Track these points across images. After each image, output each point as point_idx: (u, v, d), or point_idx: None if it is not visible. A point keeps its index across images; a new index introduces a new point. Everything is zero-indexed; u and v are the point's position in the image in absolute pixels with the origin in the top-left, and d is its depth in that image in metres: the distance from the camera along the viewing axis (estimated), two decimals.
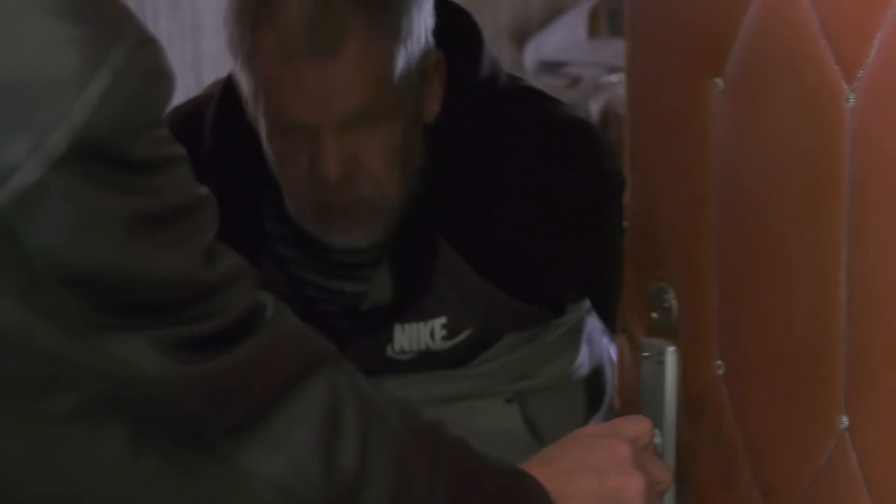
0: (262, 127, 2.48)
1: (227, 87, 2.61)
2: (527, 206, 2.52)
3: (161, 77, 1.20)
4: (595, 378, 2.88)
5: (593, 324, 2.93)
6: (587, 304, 2.74)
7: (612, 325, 2.41)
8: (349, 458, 1.36)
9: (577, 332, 2.81)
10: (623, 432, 1.72)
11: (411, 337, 2.52)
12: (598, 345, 2.95)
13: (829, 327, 1.65)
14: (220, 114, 2.56)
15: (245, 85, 2.45)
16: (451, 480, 1.55)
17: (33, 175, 1.08)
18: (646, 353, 1.93)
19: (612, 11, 6.72)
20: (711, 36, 1.79)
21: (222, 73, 2.67)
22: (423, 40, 2.46)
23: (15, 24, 1.11)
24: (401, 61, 2.38)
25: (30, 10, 1.12)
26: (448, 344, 2.54)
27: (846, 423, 1.68)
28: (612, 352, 2.95)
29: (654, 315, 1.91)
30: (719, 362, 1.85)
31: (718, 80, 1.79)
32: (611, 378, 2.99)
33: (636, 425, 1.74)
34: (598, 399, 2.88)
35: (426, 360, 2.64)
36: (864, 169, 1.62)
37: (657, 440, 1.91)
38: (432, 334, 2.52)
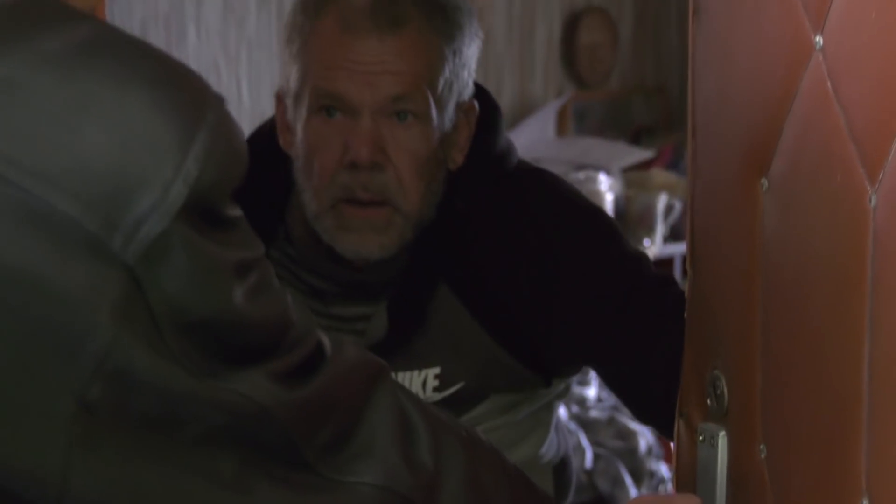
0: (301, 116, 2.47)
1: (254, 137, 2.62)
2: (536, 277, 2.51)
3: (240, 135, 1.30)
4: (562, 467, 2.83)
5: (562, 412, 2.96)
6: (561, 387, 2.73)
7: (627, 396, 2.45)
8: (427, 453, 1.50)
9: (547, 412, 2.75)
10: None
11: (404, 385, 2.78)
12: (564, 433, 2.94)
13: (852, 415, 1.66)
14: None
15: (294, 76, 2.48)
16: (506, 473, 1.68)
17: (159, 227, 1.16)
18: (701, 438, 1.93)
19: (578, 112, 6.98)
20: (759, 139, 1.81)
21: None
22: (467, 73, 2.55)
23: (124, 93, 1.19)
24: (447, 69, 2.45)
25: (134, 80, 1.20)
26: (438, 396, 2.50)
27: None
28: (582, 439, 2.98)
29: (709, 402, 1.92)
30: (762, 446, 1.85)
31: (764, 181, 1.80)
32: (576, 469, 3.05)
33: (689, 501, 1.77)
34: (564, 489, 2.82)
35: None
36: (883, 266, 1.62)
37: None
38: (424, 384, 2.49)
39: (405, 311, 2.53)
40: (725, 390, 1.90)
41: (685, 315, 2.00)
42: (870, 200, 1.63)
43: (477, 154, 2.59)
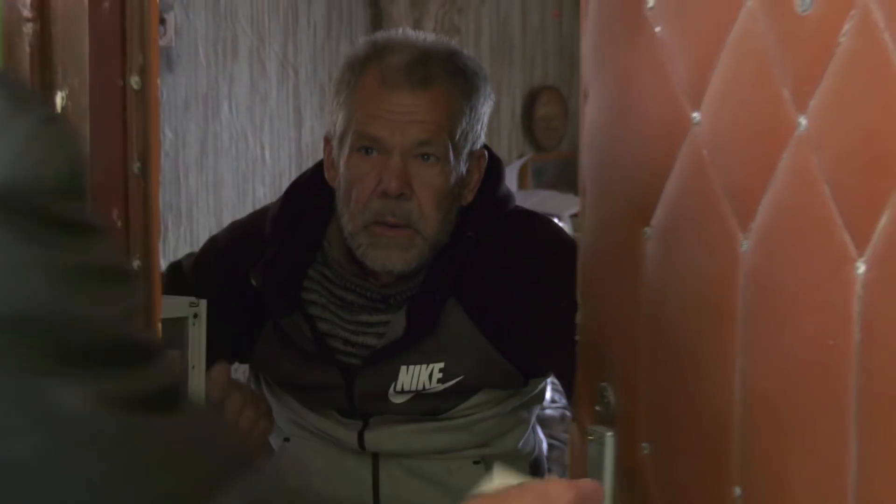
0: (344, 154, 2.92)
1: (288, 193, 3.16)
2: (527, 297, 2.92)
3: (67, 146, 1.21)
4: (537, 463, 3.27)
5: (538, 416, 3.39)
6: (537, 389, 3.16)
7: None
8: None
9: (528, 412, 3.19)
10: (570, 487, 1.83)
11: (413, 377, 2.93)
12: (539, 435, 3.34)
13: (727, 420, 1.88)
14: (281, 210, 3.09)
15: (340, 121, 2.94)
16: None
17: None
18: (591, 437, 2.15)
19: (536, 170, 7.97)
20: (643, 196, 2.04)
21: (238, 216, 3.40)
22: (480, 126, 3.01)
23: None
24: (464, 121, 2.91)
25: None
26: (441, 387, 2.93)
27: (739, 492, 1.89)
28: (539, 432, 3.44)
29: (598, 408, 2.14)
30: (646, 444, 2.06)
31: (647, 229, 2.04)
32: (546, 467, 3.35)
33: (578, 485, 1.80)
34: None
35: (417, 405, 3.01)
36: (754, 301, 1.84)
37: None
38: (430, 376, 2.93)
39: (420, 318, 2.93)
40: (612, 399, 2.11)
41: (577, 338, 2.19)
42: (741, 245, 1.85)
43: (484, 195, 3.05)
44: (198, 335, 2.58)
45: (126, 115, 1.95)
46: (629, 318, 2.10)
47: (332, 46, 5.92)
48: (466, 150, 2.97)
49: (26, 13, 1.90)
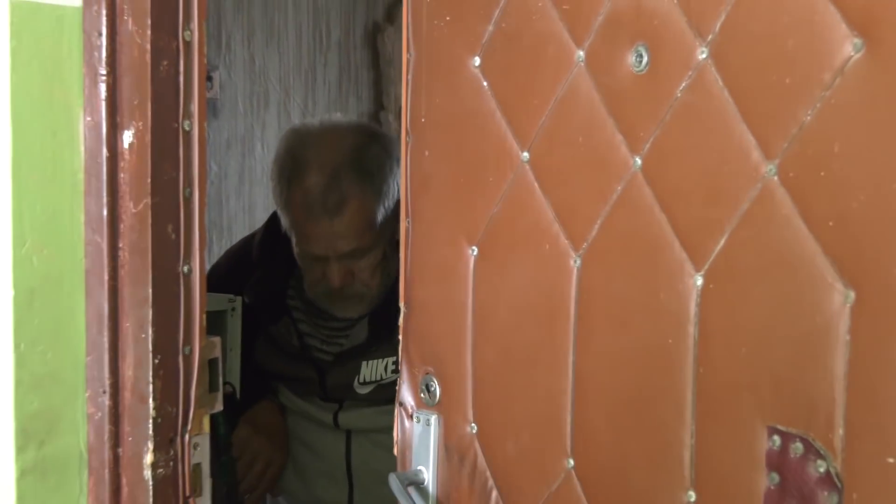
0: (293, 244, 3.42)
1: (269, 221, 3.63)
2: None
3: None
4: None
5: None
6: None
7: None
8: None
9: None
10: None
11: (372, 370, 3.43)
12: None
13: (560, 402, 2.08)
14: (264, 236, 3.67)
15: (283, 221, 3.44)
16: None
17: None
18: (417, 420, 2.33)
19: None
20: (471, 220, 2.21)
21: None
22: (395, 194, 3.31)
23: None
24: (381, 213, 3.26)
25: None
26: (394, 377, 3.20)
27: (572, 463, 2.08)
28: None
29: (423, 395, 2.32)
30: (474, 425, 2.24)
31: (474, 247, 2.21)
32: None
33: None
34: None
35: (379, 393, 3.44)
36: (587, 307, 2.04)
37: (425, 475, 2.29)
38: (386, 368, 3.41)
39: (380, 327, 3.35)
40: (438, 388, 2.29)
41: (399, 336, 2.36)
42: (574, 262, 2.05)
43: None
44: (234, 325, 3.12)
45: (180, 152, 2.21)
46: (454, 322, 2.27)
47: (342, 100, 6.94)
48: (391, 217, 3.36)
49: (101, 70, 2.13)
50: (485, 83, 2.20)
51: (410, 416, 2.37)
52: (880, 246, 1.66)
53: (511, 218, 2.16)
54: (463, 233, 2.25)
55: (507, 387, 2.19)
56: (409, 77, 2.33)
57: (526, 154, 2.12)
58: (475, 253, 2.22)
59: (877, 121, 1.66)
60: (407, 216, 2.36)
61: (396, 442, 2.39)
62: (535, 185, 2.11)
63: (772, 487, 1.81)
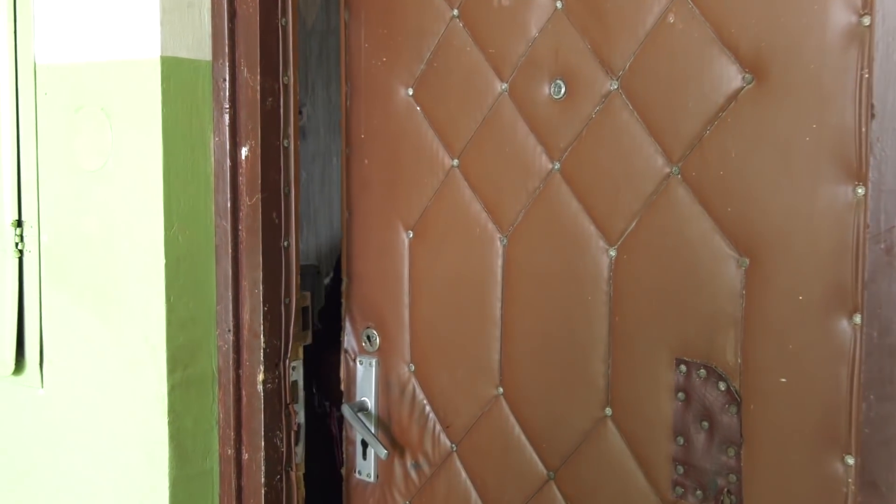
0: None
1: None
2: None
3: None
4: None
5: None
6: None
7: None
8: None
9: None
10: None
11: None
12: None
13: (490, 345, 2.13)
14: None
15: None
16: None
17: None
18: (360, 363, 2.33)
19: None
20: (406, 209, 2.23)
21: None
22: None
23: None
24: None
25: None
26: None
27: (501, 391, 2.12)
28: None
29: (364, 345, 2.33)
30: (412, 365, 2.25)
31: (410, 231, 2.22)
32: None
33: None
34: None
35: None
36: (511, 274, 2.07)
37: (369, 404, 2.31)
38: None
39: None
40: (378, 339, 2.31)
41: (342, 300, 2.36)
42: (501, 241, 2.08)
43: None
44: (319, 284, 3.45)
45: (280, 162, 2.36)
46: (392, 288, 2.27)
47: None
48: None
49: (226, 105, 2.32)
50: (417, 108, 2.19)
51: (354, 360, 2.35)
52: (770, 223, 1.76)
53: (444, 209, 2.15)
54: (399, 220, 2.22)
55: (441, 336, 2.18)
56: (348, 103, 2.31)
57: (456, 161, 2.14)
58: (411, 236, 2.21)
59: (765, 134, 1.76)
60: (347, 209, 2.32)
61: (343, 379, 2.36)
62: (465, 184, 2.13)
63: (679, 404, 1.88)
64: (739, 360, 1.80)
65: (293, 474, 2.29)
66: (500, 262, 2.07)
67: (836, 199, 1.68)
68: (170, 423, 2.26)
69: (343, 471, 2.37)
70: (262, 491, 2.31)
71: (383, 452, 2.16)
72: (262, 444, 2.30)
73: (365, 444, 2.31)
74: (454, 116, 2.11)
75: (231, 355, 2.32)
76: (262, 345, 2.30)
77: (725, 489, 1.83)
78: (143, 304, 2.26)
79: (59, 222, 2.36)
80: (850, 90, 1.66)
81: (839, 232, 1.68)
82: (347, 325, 2.33)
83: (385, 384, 2.29)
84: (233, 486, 2.32)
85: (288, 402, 2.30)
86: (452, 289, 2.14)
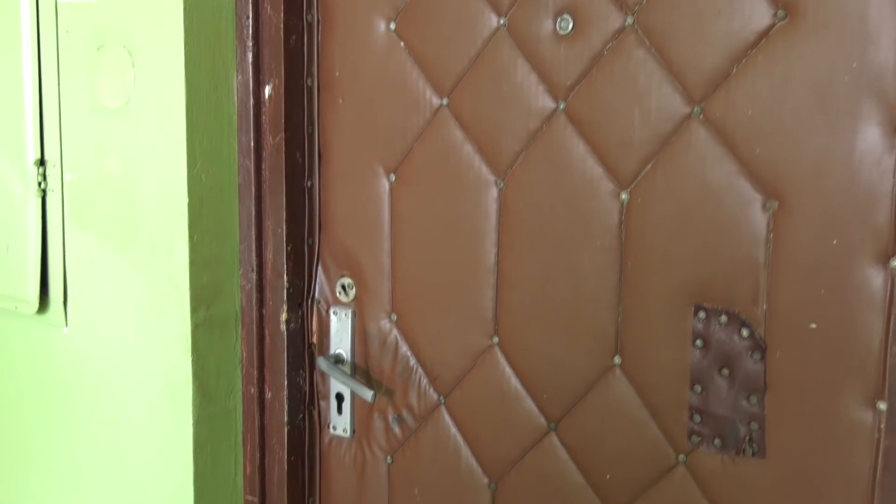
0: None
1: None
2: None
3: None
4: None
5: None
6: None
7: None
8: None
9: None
10: None
11: None
12: None
13: (483, 288, 1.96)
14: None
15: None
16: None
17: None
18: (335, 314, 2.10)
19: None
20: (388, 153, 2.01)
21: None
22: None
23: None
24: None
25: None
26: None
27: (496, 340, 1.92)
28: None
29: (339, 295, 2.12)
30: (394, 315, 2.03)
31: (392, 175, 2.00)
32: None
33: None
34: None
35: None
36: (507, 220, 1.89)
37: (345, 356, 2.12)
38: None
39: None
40: (354, 289, 2.09)
41: (317, 247, 2.12)
42: (497, 185, 1.87)
43: None
44: None
45: (304, 101, 2.23)
46: (371, 234, 2.07)
47: None
48: None
49: (249, 42, 2.22)
50: (401, 44, 1.96)
51: (327, 311, 2.13)
52: (803, 165, 1.62)
53: (430, 152, 1.94)
54: (380, 164, 2.00)
55: (428, 285, 1.97)
56: (318, 38, 2.07)
57: (445, 100, 1.91)
58: (392, 180, 1.98)
59: (798, 73, 1.62)
60: (318, 152, 2.15)
61: (315, 332, 2.17)
62: (455, 124, 1.91)
63: (697, 351, 1.72)
64: (765, 307, 1.66)
65: (315, 413, 2.11)
66: (495, 206, 1.89)
67: (876, 140, 1.52)
68: (193, 363, 2.17)
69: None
70: (285, 429, 2.16)
71: (369, 394, 1.96)
72: (285, 383, 2.17)
73: (340, 398, 2.10)
74: (443, 53, 1.90)
75: (254, 295, 2.20)
76: (286, 284, 2.17)
77: (747, 437, 1.70)
78: (166, 244, 2.14)
79: (82, 162, 2.20)
80: None
81: (877, 175, 1.53)
82: (320, 274, 2.13)
83: (363, 336, 2.09)
84: (256, 424, 2.18)
85: (311, 342, 2.13)
86: (441, 235, 1.94)
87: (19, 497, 2.48)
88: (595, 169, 1.79)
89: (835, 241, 1.58)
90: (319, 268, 2.12)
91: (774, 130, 1.62)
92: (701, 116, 1.67)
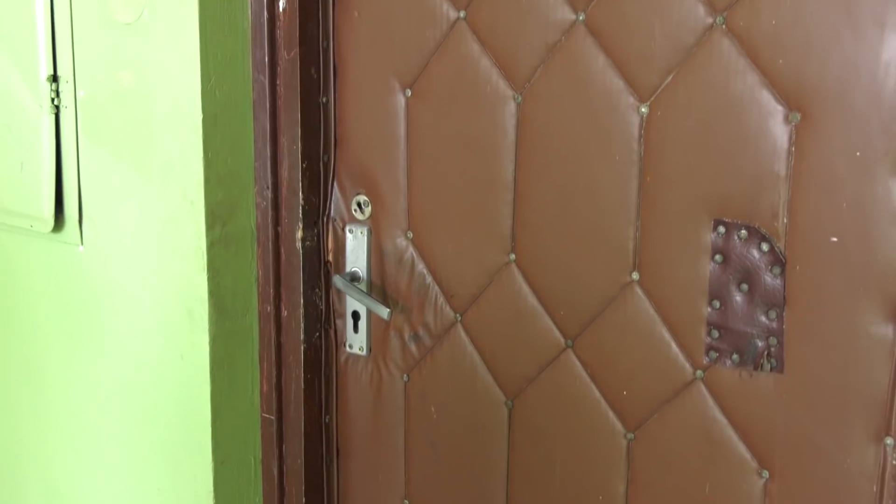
0: None
1: None
2: None
3: None
4: None
5: None
6: None
7: None
8: None
9: None
10: None
11: None
12: None
13: (500, 205, 1.94)
14: None
15: None
16: None
17: None
18: (350, 232, 2.09)
19: None
20: (404, 68, 1.99)
21: None
22: None
23: None
24: None
25: None
26: None
27: (513, 257, 1.89)
28: None
29: (355, 213, 2.09)
30: (410, 233, 2.01)
31: (408, 90, 1.98)
32: None
33: None
34: None
35: None
36: (525, 134, 1.86)
37: (361, 274, 2.11)
38: None
39: None
40: (370, 207, 2.07)
41: (332, 164, 2.09)
42: (515, 100, 1.84)
43: None
44: None
45: (319, 15, 2.20)
46: (387, 151, 2.05)
47: None
48: None
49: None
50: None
51: (343, 229, 2.13)
52: (828, 76, 1.59)
53: (447, 66, 1.90)
54: (396, 78, 1.96)
55: (445, 202, 1.96)
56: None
57: (462, 13, 1.87)
58: (409, 94, 1.95)
59: None
60: (333, 68, 2.10)
61: (331, 250, 2.15)
62: (472, 38, 1.88)
63: (716, 266, 1.71)
64: (786, 220, 1.64)
65: (331, 331, 2.10)
66: (513, 121, 1.87)
67: None
68: (209, 280, 2.17)
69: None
70: (302, 347, 2.16)
71: (386, 311, 1.96)
72: (301, 301, 2.15)
73: (356, 316, 2.09)
74: None
75: (270, 212, 2.18)
76: (301, 202, 2.15)
77: (765, 352, 1.69)
78: (180, 160, 2.12)
79: (95, 77, 2.18)
80: None
81: None
82: (336, 192, 2.12)
83: (378, 254, 2.08)
84: (272, 342, 2.18)
85: (327, 260, 2.13)
86: (458, 151, 1.92)
87: (36, 415, 2.49)
88: (615, 82, 1.75)
89: (858, 154, 1.55)
90: (335, 185, 2.11)
91: (798, 40, 1.58)
92: (724, 27, 1.64)
